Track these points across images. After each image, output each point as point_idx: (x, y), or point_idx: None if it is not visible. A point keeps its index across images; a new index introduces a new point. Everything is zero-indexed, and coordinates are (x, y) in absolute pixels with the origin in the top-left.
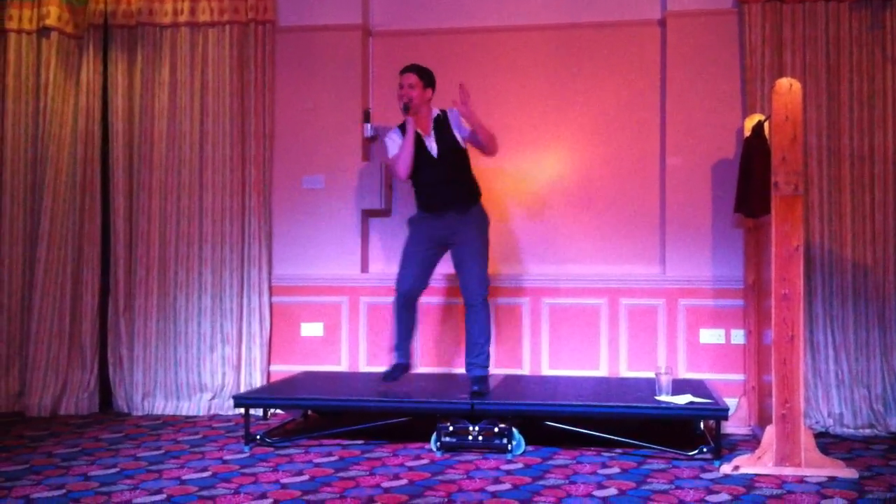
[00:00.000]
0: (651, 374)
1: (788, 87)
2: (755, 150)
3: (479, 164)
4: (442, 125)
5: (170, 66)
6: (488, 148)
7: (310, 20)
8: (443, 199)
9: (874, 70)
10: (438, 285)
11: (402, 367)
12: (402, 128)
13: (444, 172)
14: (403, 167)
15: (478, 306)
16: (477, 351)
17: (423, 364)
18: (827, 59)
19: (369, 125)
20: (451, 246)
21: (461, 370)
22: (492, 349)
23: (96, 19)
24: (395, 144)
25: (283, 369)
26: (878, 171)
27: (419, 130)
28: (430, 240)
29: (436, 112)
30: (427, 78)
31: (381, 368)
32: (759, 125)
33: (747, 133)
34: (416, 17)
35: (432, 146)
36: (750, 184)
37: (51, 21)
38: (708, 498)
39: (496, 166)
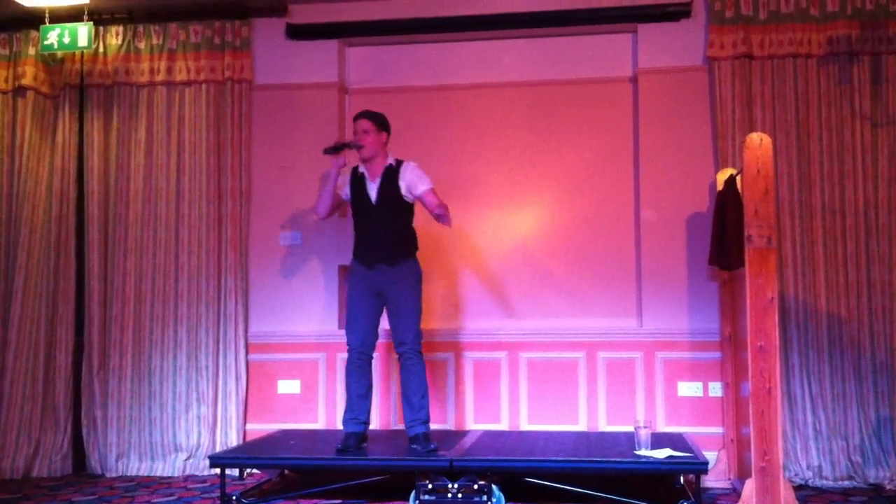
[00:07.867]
0: (630, 428)
1: (759, 141)
2: (728, 204)
3: (455, 219)
4: (391, 175)
5: (146, 125)
6: (438, 218)
7: (286, 79)
8: (375, 250)
9: (843, 125)
10: None
11: (358, 437)
12: (353, 171)
13: (380, 221)
14: (318, 204)
15: (413, 358)
16: (418, 406)
17: (400, 422)
18: (797, 114)
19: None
20: (385, 299)
21: (438, 427)
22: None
23: (72, 79)
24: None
25: (260, 428)
26: (849, 223)
27: (366, 173)
28: (367, 292)
29: (391, 161)
30: (380, 122)
31: None
32: (732, 179)
33: (720, 187)
34: (392, 75)
35: (373, 193)
36: (724, 237)
37: (27, 81)
38: None
39: (472, 221)
